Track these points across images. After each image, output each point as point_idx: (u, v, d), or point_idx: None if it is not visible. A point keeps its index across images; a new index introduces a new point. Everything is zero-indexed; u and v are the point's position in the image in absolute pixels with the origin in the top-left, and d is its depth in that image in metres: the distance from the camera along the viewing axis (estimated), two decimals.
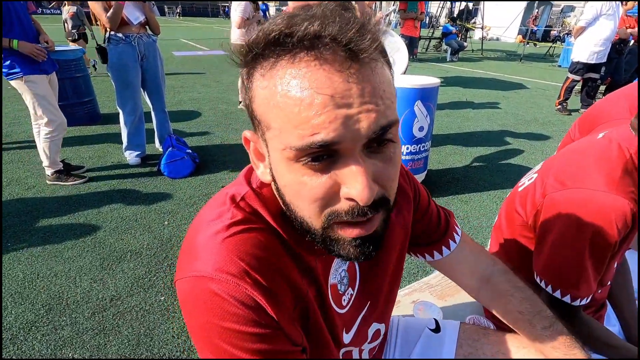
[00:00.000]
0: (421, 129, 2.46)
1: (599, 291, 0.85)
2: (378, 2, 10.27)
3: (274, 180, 0.43)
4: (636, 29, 4.90)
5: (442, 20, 14.56)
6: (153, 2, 2.88)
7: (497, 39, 18.22)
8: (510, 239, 0.86)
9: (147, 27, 2.87)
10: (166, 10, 41.87)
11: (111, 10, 2.58)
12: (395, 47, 2.91)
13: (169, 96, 5.31)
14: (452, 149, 3.74)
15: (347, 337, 0.57)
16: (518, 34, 16.22)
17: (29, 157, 3.18)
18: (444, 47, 11.10)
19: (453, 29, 10.92)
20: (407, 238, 0.64)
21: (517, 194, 0.84)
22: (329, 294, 0.53)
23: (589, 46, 4.66)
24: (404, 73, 3.20)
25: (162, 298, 1.71)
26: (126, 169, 3.04)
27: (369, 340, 0.63)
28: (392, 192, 0.42)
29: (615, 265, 0.84)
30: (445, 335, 0.73)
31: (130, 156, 3.09)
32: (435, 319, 0.77)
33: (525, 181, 0.85)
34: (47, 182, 2.73)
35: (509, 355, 0.65)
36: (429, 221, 0.67)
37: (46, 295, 1.70)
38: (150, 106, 3.13)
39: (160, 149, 3.26)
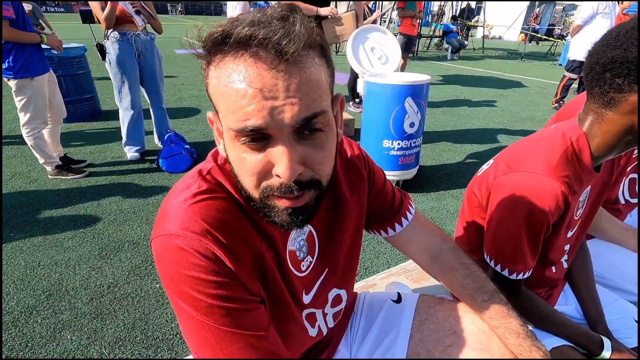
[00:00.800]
0: (412, 125, 2.52)
1: (554, 270, 0.91)
2: (379, 2, 10.31)
3: (226, 155, 0.50)
4: None
5: (446, 18, 14.54)
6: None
7: (500, 38, 18.18)
8: (470, 221, 0.93)
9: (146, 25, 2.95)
10: (169, 8, 42.00)
11: (106, 9, 2.65)
12: (388, 44, 2.96)
13: (170, 93, 5.40)
14: (446, 145, 3.79)
15: (307, 298, 0.65)
16: (520, 33, 16.19)
17: (31, 152, 3.26)
18: (445, 45, 11.12)
19: (454, 28, 10.93)
20: (362, 215, 0.71)
21: (477, 179, 0.91)
22: (287, 258, 0.60)
23: (585, 44, 4.68)
24: (399, 70, 3.25)
25: (157, 285, 1.78)
26: (126, 164, 3.12)
27: (329, 303, 0.70)
28: (323, 174, 0.48)
29: (567, 248, 0.90)
30: (405, 305, 0.80)
31: (130, 151, 3.17)
32: (398, 292, 0.83)
33: (484, 167, 0.91)
34: (49, 176, 2.81)
35: (458, 319, 0.73)
36: (384, 200, 0.74)
37: (46, 282, 1.78)
38: (149, 102, 3.21)
39: (159, 145, 3.33)
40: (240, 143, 0.44)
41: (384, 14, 7.68)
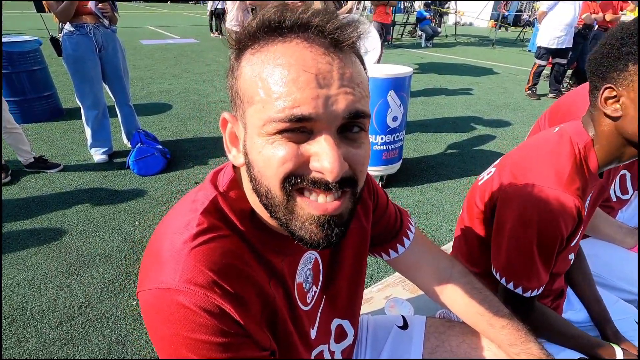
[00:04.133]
0: (395, 118, 2.46)
1: (559, 280, 0.88)
2: None
3: (245, 160, 0.44)
4: (600, 14, 5.05)
5: (417, 5, 14.57)
6: None
7: (471, 24, 18.43)
8: (471, 231, 0.88)
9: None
10: None
11: (62, 5, 2.39)
12: (368, 35, 2.87)
13: (137, 88, 5.09)
14: (426, 136, 3.78)
15: (313, 333, 0.58)
16: (490, 19, 16.46)
17: None
18: (419, 32, 11.13)
19: (427, 15, 10.94)
20: (364, 240, 0.64)
21: (478, 188, 0.85)
22: (295, 292, 0.53)
23: (550, 31, 4.78)
24: (379, 62, 3.18)
25: (135, 302, 1.65)
26: (92, 168, 2.90)
27: (333, 335, 0.64)
28: (361, 177, 0.43)
29: (572, 257, 0.87)
30: (413, 331, 0.74)
31: (96, 154, 2.95)
32: (402, 315, 0.77)
33: (485, 175, 0.86)
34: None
35: (473, 345, 0.68)
36: (387, 222, 0.69)
37: (8, 306, 1.61)
38: (114, 100, 2.99)
39: (129, 145, 3.12)
40: (278, 138, 0.39)
41: (359, 2, 7.56)
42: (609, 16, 4.98)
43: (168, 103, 4.61)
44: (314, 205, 0.40)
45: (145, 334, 1.50)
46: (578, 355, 0.81)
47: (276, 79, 0.38)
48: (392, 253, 0.70)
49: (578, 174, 0.70)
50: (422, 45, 10.62)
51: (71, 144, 3.32)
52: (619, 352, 0.81)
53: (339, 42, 0.39)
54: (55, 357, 1.39)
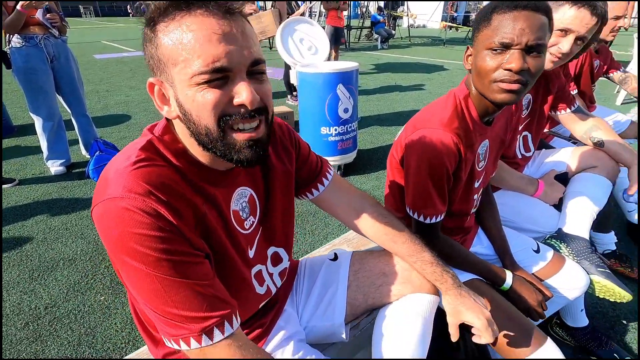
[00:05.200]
0: (346, 110, 2.64)
1: (467, 220, 1.07)
2: None
3: (180, 111, 0.55)
4: None
5: (372, 9, 15.16)
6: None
7: (424, 26, 19.34)
8: (393, 182, 1.05)
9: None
10: (82, 10, 38.25)
11: (10, 17, 2.38)
12: (317, 35, 3.06)
13: (94, 101, 5.01)
14: (382, 129, 4.01)
15: (251, 253, 0.72)
16: (442, 21, 17.38)
17: None
18: (375, 35, 11.58)
19: (381, 18, 11.42)
20: (290, 183, 0.78)
21: (394, 143, 1.02)
22: (232, 217, 0.66)
23: None
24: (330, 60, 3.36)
25: (102, 298, 1.70)
26: (50, 180, 2.86)
27: (269, 260, 0.77)
28: (269, 105, 0.58)
29: (476, 198, 1.05)
30: (341, 261, 0.89)
31: (54, 166, 2.91)
32: (335, 252, 0.92)
33: (399, 132, 1.03)
34: None
35: (385, 262, 0.85)
36: (309, 168, 0.83)
37: None
38: (69, 111, 2.97)
39: (87, 156, 3.10)
40: (205, 86, 0.51)
41: (312, 7, 7.80)
42: None
43: (127, 114, 4.57)
44: (244, 135, 0.55)
45: (115, 323, 1.55)
46: (476, 277, 0.99)
47: (193, 42, 0.50)
48: (315, 192, 0.84)
49: (457, 118, 0.88)
50: (378, 47, 11.07)
51: (25, 159, 3.24)
52: (509, 276, 0.99)
53: (231, 10, 0.53)
54: (23, 354, 1.42)
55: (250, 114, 0.54)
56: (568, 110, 1.39)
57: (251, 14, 3.11)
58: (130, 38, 14.12)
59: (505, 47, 0.78)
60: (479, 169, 1.00)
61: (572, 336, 1.40)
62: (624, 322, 1.54)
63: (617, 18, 1.81)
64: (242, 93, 0.52)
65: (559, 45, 1.09)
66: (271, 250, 0.77)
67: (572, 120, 1.39)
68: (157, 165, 0.56)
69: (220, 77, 0.52)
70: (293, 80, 3.46)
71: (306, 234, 2.18)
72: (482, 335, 0.75)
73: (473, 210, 1.08)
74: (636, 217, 1.99)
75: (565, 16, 1.07)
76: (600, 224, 1.74)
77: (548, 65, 1.14)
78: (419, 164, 0.87)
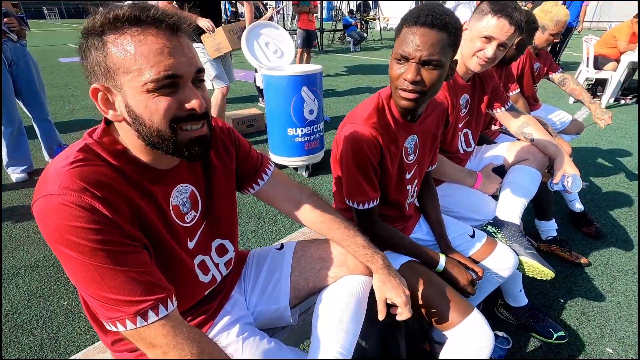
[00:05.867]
0: (311, 111, 2.72)
1: (406, 209, 1.17)
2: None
3: (129, 115, 0.61)
4: None
5: (345, 11, 15.41)
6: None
7: None
8: (336, 176, 1.14)
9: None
10: (45, 11, 36.68)
11: None
12: (282, 38, 3.13)
13: (59, 106, 4.87)
14: None
15: (191, 244, 0.77)
16: None
17: None
18: (348, 38, 11.78)
19: (352, 21, 11.63)
20: (230, 178, 0.85)
21: (333, 140, 1.12)
22: (171, 211, 0.72)
23: None
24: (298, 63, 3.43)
25: (65, 303, 1.70)
26: (11, 188, 2.78)
27: (214, 250, 0.83)
28: (209, 108, 0.67)
29: (409, 188, 1.15)
30: (286, 249, 0.97)
31: (15, 172, 2.84)
32: (282, 243, 1.00)
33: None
34: None
35: (325, 248, 0.93)
36: (250, 164, 0.90)
37: None
38: (30, 117, 2.90)
39: (50, 161, 3.03)
40: (156, 93, 0.59)
41: (279, 11, 7.87)
42: None
43: (94, 118, 4.47)
44: (192, 134, 0.64)
45: (79, 327, 1.56)
46: (412, 259, 1.09)
47: (147, 54, 0.58)
48: (256, 187, 0.91)
49: (377, 114, 0.99)
50: (351, 50, 11.26)
51: None
52: (442, 259, 1.10)
53: (177, 28, 0.61)
54: None
55: (199, 116, 0.63)
56: (502, 108, 1.52)
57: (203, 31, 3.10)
58: None
59: (405, 59, 0.88)
60: (409, 162, 1.10)
61: (514, 315, 1.54)
62: (561, 300, 1.70)
63: (552, 35, 2.03)
64: (194, 98, 0.62)
65: (484, 51, 1.22)
66: (216, 242, 0.84)
67: (506, 117, 1.53)
68: (94, 164, 0.61)
69: (169, 84, 0.59)
70: (259, 83, 3.52)
71: (273, 232, 2.24)
72: (402, 312, 0.84)
73: (410, 200, 1.18)
74: (577, 206, 2.19)
75: (489, 24, 1.20)
76: (542, 213, 1.91)
77: (477, 68, 1.27)
78: (346, 155, 0.97)
